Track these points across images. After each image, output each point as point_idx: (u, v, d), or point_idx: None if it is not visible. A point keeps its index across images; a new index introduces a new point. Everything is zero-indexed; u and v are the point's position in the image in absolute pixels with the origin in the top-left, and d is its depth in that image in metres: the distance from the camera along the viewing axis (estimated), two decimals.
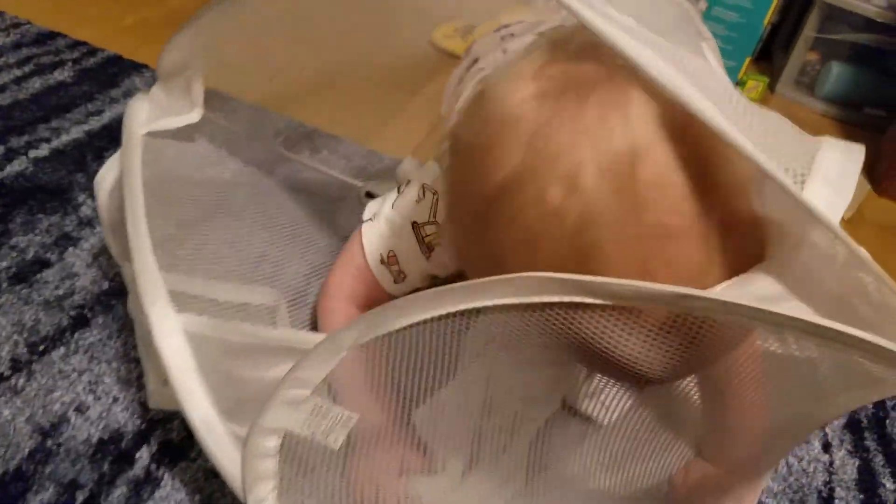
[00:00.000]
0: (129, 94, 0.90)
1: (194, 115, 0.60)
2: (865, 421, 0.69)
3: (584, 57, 0.39)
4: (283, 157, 0.78)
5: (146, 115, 0.57)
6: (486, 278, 0.34)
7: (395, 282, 0.60)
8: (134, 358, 0.57)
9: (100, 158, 0.78)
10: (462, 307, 0.35)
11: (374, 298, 0.58)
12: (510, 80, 0.40)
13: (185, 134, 0.60)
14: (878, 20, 1.52)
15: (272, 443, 0.41)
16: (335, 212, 0.73)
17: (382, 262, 0.59)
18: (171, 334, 0.47)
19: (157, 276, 0.48)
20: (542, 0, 0.56)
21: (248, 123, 0.71)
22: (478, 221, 0.40)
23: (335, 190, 0.78)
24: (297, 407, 0.39)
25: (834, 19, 1.57)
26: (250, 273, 0.60)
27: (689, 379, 0.44)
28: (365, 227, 0.60)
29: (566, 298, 0.33)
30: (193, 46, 0.56)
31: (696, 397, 0.45)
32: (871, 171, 1.34)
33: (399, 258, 0.59)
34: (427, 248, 0.58)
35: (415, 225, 0.58)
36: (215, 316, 0.50)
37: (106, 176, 0.56)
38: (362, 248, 0.60)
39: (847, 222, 1.12)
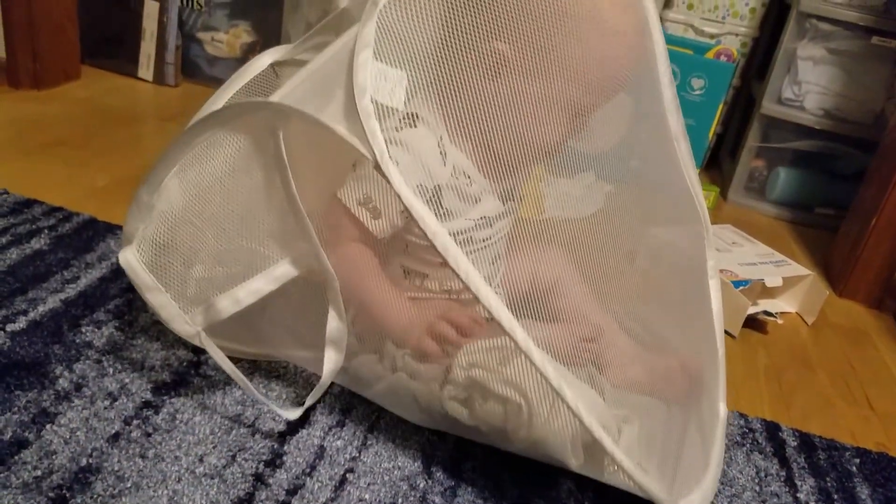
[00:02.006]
0: (104, 258, 0.93)
1: None
2: None
3: None
4: None
5: None
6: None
7: (374, 218, 0.66)
8: None
9: (76, 327, 0.79)
10: None
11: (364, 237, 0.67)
12: None
13: None
14: (818, 128, 1.61)
15: None
16: None
17: (360, 203, 0.66)
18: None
19: None
20: None
21: None
22: None
23: None
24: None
25: (775, 128, 1.66)
26: None
27: None
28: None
29: None
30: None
31: None
32: (828, 272, 1.39)
33: (373, 196, 0.66)
34: None
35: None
36: None
37: None
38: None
39: (812, 327, 1.17)
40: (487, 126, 0.62)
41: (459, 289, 0.72)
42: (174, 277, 0.67)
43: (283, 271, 0.66)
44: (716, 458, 0.67)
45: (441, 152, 0.65)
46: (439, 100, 0.63)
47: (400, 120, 0.63)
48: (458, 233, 0.65)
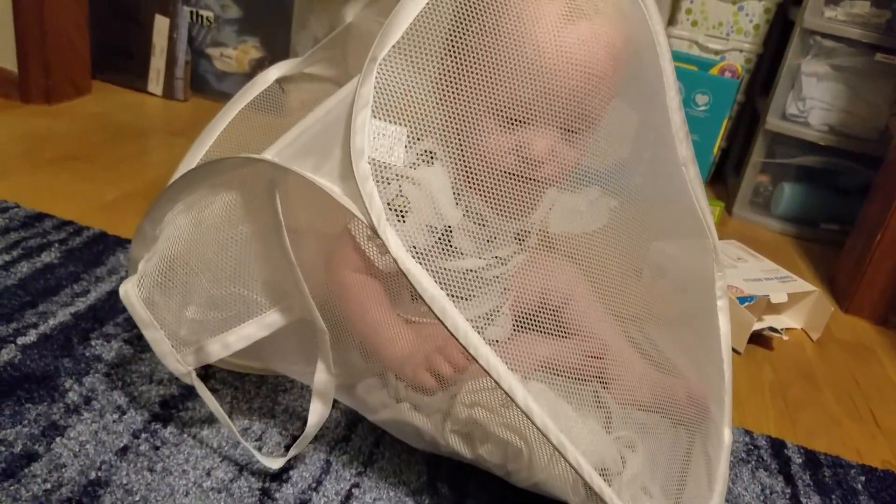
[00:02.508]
0: (113, 272, 0.94)
1: None
2: None
3: None
4: None
5: None
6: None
7: (382, 253, 0.65)
8: None
9: (86, 340, 0.80)
10: None
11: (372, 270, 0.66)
12: None
13: None
14: (822, 143, 1.62)
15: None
16: None
17: (368, 238, 0.65)
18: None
19: None
20: None
21: None
22: None
23: None
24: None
25: (780, 144, 1.67)
26: None
27: None
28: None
29: None
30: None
31: None
32: (833, 288, 1.39)
33: None
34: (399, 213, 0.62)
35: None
36: None
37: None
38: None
39: (817, 344, 1.17)
40: (493, 168, 0.61)
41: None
42: (169, 316, 0.68)
43: (273, 319, 0.67)
44: (721, 480, 0.67)
45: (454, 192, 0.64)
46: (446, 145, 0.62)
47: (417, 156, 0.63)
48: (468, 271, 0.65)
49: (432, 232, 0.63)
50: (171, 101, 1.71)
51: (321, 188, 0.57)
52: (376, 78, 0.57)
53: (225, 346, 0.67)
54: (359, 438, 0.74)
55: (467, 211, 0.65)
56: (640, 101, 0.70)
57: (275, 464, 0.68)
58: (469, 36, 0.58)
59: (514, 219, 0.66)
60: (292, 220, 0.63)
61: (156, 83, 1.71)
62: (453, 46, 0.58)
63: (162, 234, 0.69)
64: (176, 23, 1.66)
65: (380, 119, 0.57)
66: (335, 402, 0.77)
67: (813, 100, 1.62)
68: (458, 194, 0.64)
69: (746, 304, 1.08)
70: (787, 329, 1.16)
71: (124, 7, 1.69)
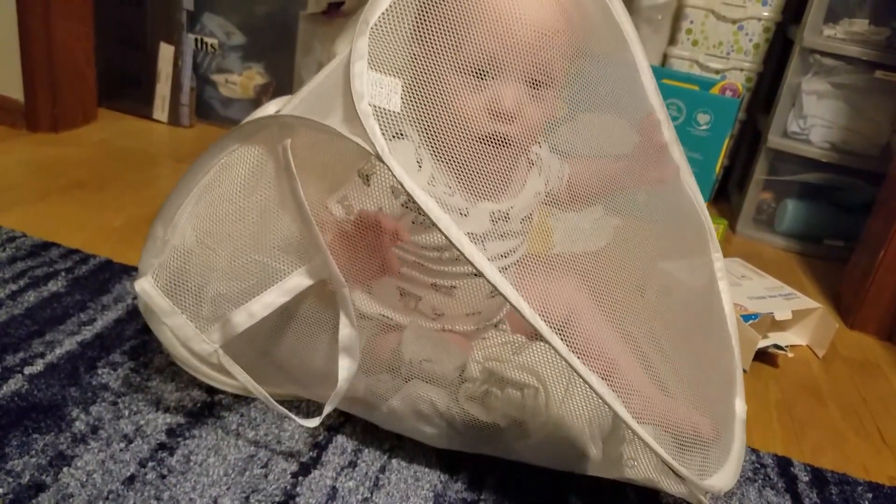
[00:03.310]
0: (119, 300, 0.95)
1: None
2: None
3: None
4: None
5: None
6: None
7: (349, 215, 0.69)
8: None
9: (93, 369, 0.81)
10: None
11: None
12: None
13: None
14: (824, 160, 1.62)
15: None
16: None
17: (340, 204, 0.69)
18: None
19: None
20: None
21: None
22: None
23: None
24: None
25: (782, 161, 1.67)
26: None
27: None
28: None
29: None
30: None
31: None
32: (838, 304, 1.38)
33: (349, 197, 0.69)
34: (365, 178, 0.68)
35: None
36: None
37: None
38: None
39: (822, 360, 1.16)
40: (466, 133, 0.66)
41: (454, 314, 0.75)
42: (189, 299, 0.70)
43: (295, 283, 0.68)
44: (738, 443, 0.71)
45: (417, 160, 0.67)
46: (413, 111, 0.65)
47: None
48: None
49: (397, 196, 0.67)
50: (176, 128, 1.73)
51: (329, 138, 0.61)
52: (370, 36, 0.61)
53: (250, 315, 0.68)
54: (365, 464, 0.74)
55: (432, 178, 0.68)
56: (614, 76, 0.75)
57: (312, 423, 0.70)
58: (436, 4, 0.64)
59: (490, 198, 0.69)
60: (303, 187, 0.66)
61: (161, 110, 1.73)
62: (423, 13, 0.64)
63: (174, 234, 0.71)
64: (181, 50, 1.68)
65: (375, 72, 0.61)
66: (338, 427, 0.78)
67: (814, 117, 1.62)
68: (420, 160, 0.67)
69: (751, 321, 1.08)
70: (791, 346, 1.16)
71: (129, 35, 1.72)
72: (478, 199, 0.68)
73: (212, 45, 1.72)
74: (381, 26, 0.62)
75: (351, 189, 0.69)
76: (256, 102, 1.71)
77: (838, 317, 1.32)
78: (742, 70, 1.79)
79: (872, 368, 1.17)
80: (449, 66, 0.64)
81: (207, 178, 0.70)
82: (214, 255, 0.70)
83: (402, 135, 0.66)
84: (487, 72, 0.66)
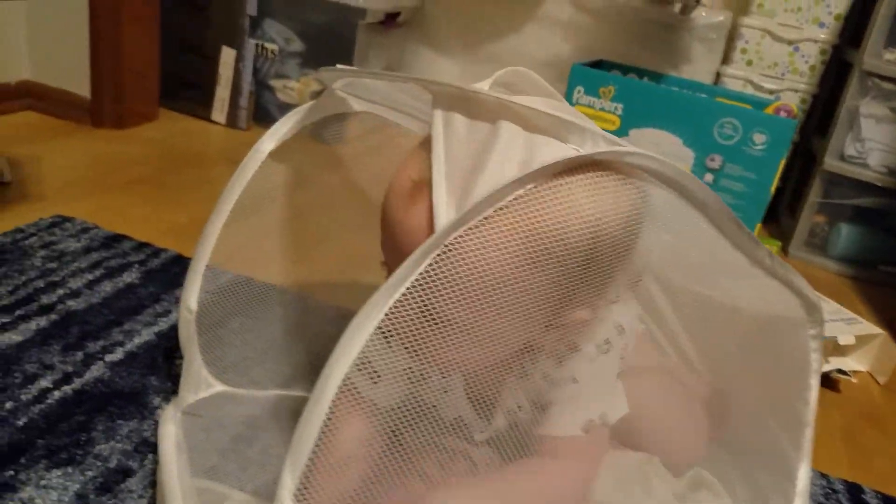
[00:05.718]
0: None
1: None
2: None
3: None
4: None
5: None
6: None
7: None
8: None
9: (171, 359, 0.82)
10: None
11: None
12: None
13: None
14: (880, 185, 1.60)
15: None
16: None
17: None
18: None
19: None
20: None
21: None
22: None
23: None
24: None
25: (836, 184, 1.66)
26: None
27: None
28: None
29: None
30: None
31: None
32: (894, 331, 1.36)
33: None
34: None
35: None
36: None
37: None
38: None
39: (883, 387, 1.14)
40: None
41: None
42: None
43: None
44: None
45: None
46: None
47: None
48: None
49: None
50: (233, 130, 1.76)
51: None
52: None
53: None
54: None
55: None
56: None
57: None
58: None
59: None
60: None
61: (220, 112, 1.76)
62: None
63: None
64: (242, 54, 1.71)
65: None
66: None
67: (872, 141, 1.61)
68: None
69: None
70: (853, 371, 1.14)
71: (192, 39, 1.75)
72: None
73: (271, 51, 1.75)
74: None
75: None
76: None
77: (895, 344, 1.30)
78: (797, 91, 1.78)
79: None
80: None
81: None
82: None
83: None
84: None
